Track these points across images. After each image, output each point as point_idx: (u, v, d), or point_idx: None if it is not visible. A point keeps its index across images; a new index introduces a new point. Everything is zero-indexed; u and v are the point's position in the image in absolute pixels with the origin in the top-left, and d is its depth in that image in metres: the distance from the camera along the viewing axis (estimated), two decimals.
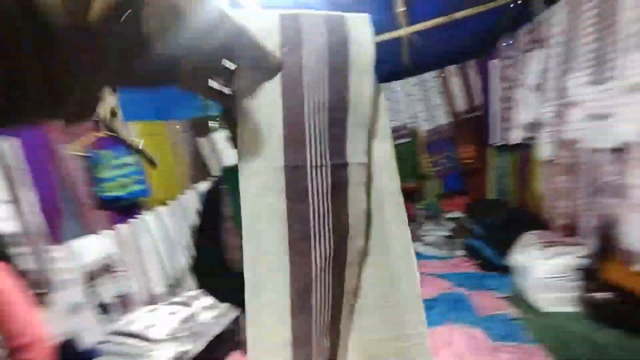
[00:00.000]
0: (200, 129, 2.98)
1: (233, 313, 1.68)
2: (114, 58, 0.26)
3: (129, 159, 2.06)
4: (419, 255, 3.41)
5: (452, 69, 3.63)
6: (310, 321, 0.57)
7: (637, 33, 1.47)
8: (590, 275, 2.13)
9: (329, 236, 0.56)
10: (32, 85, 0.21)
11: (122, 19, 0.24)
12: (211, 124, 3.20)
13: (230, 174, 1.06)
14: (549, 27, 2.17)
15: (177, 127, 2.74)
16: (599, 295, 2.01)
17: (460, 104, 3.65)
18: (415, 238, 3.72)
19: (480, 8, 2.52)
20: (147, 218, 2.26)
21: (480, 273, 2.84)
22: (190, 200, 2.58)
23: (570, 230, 2.26)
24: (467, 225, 3.36)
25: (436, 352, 1.90)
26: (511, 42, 2.80)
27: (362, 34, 0.47)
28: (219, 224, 0.96)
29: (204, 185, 1.11)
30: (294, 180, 0.51)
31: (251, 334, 0.50)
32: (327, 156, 0.54)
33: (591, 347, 1.84)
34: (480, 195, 3.62)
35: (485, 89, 3.39)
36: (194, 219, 1.01)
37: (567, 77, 2.03)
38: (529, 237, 2.48)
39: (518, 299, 2.41)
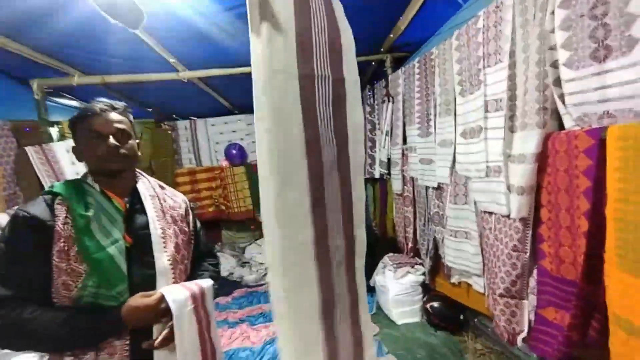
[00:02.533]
0: (23, 134, 2.46)
1: None
2: None
3: None
4: None
5: None
6: (325, 219, 0.73)
7: (442, 103, 1.97)
8: (427, 289, 2.61)
9: (333, 141, 0.74)
10: None
11: None
12: (50, 129, 2.69)
13: (70, 187, 0.90)
14: (395, 86, 2.68)
15: None
16: (432, 304, 2.47)
17: None
18: None
19: None
20: None
21: None
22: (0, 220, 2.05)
23: (415, 252, 2.73)
24: None
25: None
26: (371, 92, 3.33)
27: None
28: (45, 249, 0.81)
29: (25, 206, 0.89)
30: (305, 87, 0.64)
31: (278, 234, 0.65)
32: (329, 70, 0.72)
33: (428, 349, 2.22)
34: None
35: None
36: (8, 245, 0.81)
37: (407, 127, 2.54)
38: (386, 260, 2.88)
39: (378, 316, 2.74)
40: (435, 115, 2.07)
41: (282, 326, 0.79)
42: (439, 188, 2.13)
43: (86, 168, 0.96)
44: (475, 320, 2.35)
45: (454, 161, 1.89)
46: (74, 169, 2.48)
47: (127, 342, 0.85)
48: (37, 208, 0.85)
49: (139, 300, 0.85)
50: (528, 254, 1.37)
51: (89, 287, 0.82)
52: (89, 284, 0.82)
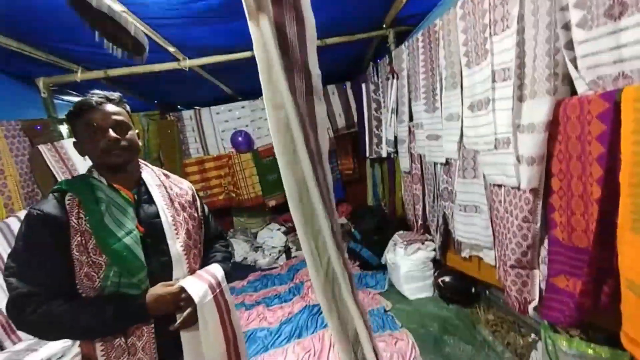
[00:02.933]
0: (35, 133, 2.51)
1: None
2: None
3: None
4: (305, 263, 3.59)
5: (332, 87, 4.00)
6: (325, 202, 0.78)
7: (448, 76, 1.92)
8: (438, 264, 2.63)
9: (314, 131, 0.80)
10: None
11: None
12: (60, 127, 2.73)
13: (79, 183, 0.92)
14: (399, 62, 2.62)
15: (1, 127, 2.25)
16: (444, 279, 2.50)
17: (340, 121, 4.03)
18: None
19: (349, 38, 2.87)
20: None
21: (361, 273, 3.17)
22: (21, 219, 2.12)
23: (425, 229, 2.74)
24: (349, 231, 3.72)
25: (324, 352, 2.03)
26: (375, 70, 3.26)
27: None
28: (64, 244, 0.84)
29: (38, 204, 0.91)
30: (289, 79, 0.68)
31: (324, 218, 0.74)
32: (300, 62, 0.75)
33: (440, 322, 2.27)
34: (360, 202, 4.05)
35: (359, 109, 3.83)
36: (16, 247, 0.84)
37: (413, 104, 2.49)
38: (396, 238, 2.91)
39: (390, 293, 2.79)
40: (441, 89, 2.03)
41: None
42: (447, 163, 2.11)
43: (91, 162, 0.97)
44: (487, 292, 2.37)
45: (461, 135, 1.86)
46: (87, 164, 2.53)
47: (153, 326, 0.89)
48: (49, 205, 0.87)
49: (161, 289, 0.89)
50: (539, 224, 1.36)
51: (111, 278, 0.85)
52: (110, 275, 0.85)
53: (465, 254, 2.13)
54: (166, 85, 3.43)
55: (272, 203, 4.11)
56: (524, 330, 1.98)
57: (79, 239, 0.84)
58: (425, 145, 2.33)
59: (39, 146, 2.46)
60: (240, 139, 4.05)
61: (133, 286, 0.88)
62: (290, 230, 4.17)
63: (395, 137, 2.94)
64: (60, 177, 2.46)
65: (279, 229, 4.15)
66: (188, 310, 0.89)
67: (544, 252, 1.42)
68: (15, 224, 2.15)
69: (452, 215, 2.15)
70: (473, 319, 2.24)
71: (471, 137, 1.75)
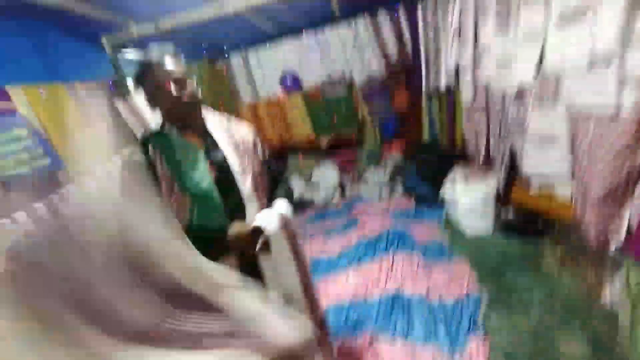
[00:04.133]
0: (114, 90, 2.74)
1: None
2: None
3: (21, 132, 1.85)
4: (363, 199, 3.73)
5: (383, 14, 3.62)
6: None
7: None
8: (501, 200, 2.55)
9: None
10: None
11: None
12: (129, 84, 2.94)
13: (157, 136, 1.06)
14: None
15: (83, 89, 2.47)
16: (507, 215, 2.45)
17: (393, 51, 3.72)
18: (360, 183, 4.01)
19: None
20: (70, 192, 2.06)
21: (418, 208, 3.21)
22: (117, 168, 2.43)
23: (488, 164, 2.62)
24: (404, 167, 3.68)
25: (382, 278, 2.22)
26: None
27: None
28: (159, 186, 0.99)
29: (129, 151, 1.07)
30: None
31: None
32: None
33: (500, 255, 2.29)
34: (415, 138, 3.91)
35: (414, 36, 3.47)
36: (124, 187, 0.97)
37: (480, 24, 2.19)
38: (456, 173, 2.83)
39: (448, 227, 2.82)
40: (518, 3, 1.74)
41: None
42: (519, 92, 1.91)
43: (161, 116, 1.08)
44: (556, 228, 2.28)
45: (541, 58, 1.63)
46: (155, 118, 2.75)
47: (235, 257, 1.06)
48: (142, 154, 1.01)
49: (238, 227, 1.03)
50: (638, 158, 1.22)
51: (195, 214, 1.01)
52: (195, 213, 1.00)
53: (534, 189, 2.02)
54: (211, 31, 3.40)
55: (324, 143, 4.17)
56: (597, 265, 1.92)
57: (165, 183, 0.99)
58: (493, 73, 2.09)
59: (116, 103, 2.70)
60: (288, 81, 4.00)
61: (214, 222, 1.03)
62: (344, 169, 4.26)
63: (457, 67, 2.67)
64: (138, 130, 2.73)
65: (333, 168, 4.26)
66: (262, 238, 1.03)
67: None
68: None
69: (521, 149, 2.00)
70: (538, 254, 2.21)
71: (556, 58, 1.53)
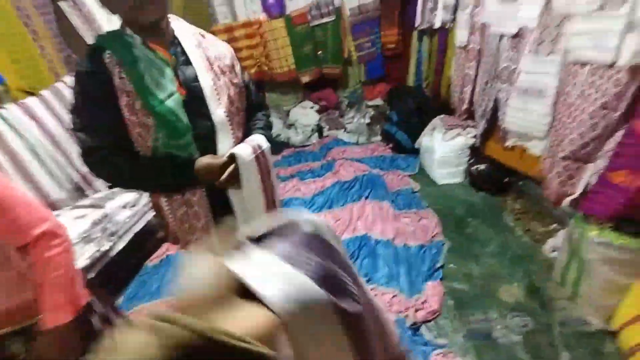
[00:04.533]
0: None
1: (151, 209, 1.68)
2: None
3: None
4: (340, 142, 3.64)
5: None
6: None
7: None
8: (476, 152, 2.54)
9: None
10: None
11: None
12: None
13: (115, 40, 0.86)
14: None
15: None
16: (478, 167, 2.46)
17: None
18: (339, 125, 3.88)
19: None
20: (11, 113, 1.88)
21: (393, 155, 3.18)
22: (69, 84, 2.17)
23: (469, 114, 2.55)
24: (385, 112, 3.56)
25: (352, 222, 2.25)
26: None
27: None
28: (115, 102, 0.84)
29: (82, 62, 0.89)
30: None
31: None
32: None
33: (467, 206, 2.35)
34: (400, 81, 3.73)
35: None
36: (76, 104, 0.85)
37: None
38: (436, 122, 2.76)
39: (421, 175, 2.84)
40: None
41: None
42: (517, 36, 1.77)
43: (120, 20, 0.87)
44: (520, 183, 2.33)
45: None
46: (112, 26, 2.38)
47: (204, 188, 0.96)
48: (93, 64, 0.83)
49: (209, 159, 0.91)
50: (619, 113, 1.18)
51: (160, 138, 0.87)
52: (159, 136, 0.87)
53: (509, 142, 2.00)
54: None
55: (305, 79, 3.89)
56: (547, 220, 2.01)
57: (125, 98, 0.83)
58: (495, 11, 1.91)
59: (59, 3, 2.28)
60: (270, 0, 3.55)
61: (181, 148, 0.90)
62: (324, 109, 4.07)
63: (457, 2, 2.43)
64: (88, 39, 2.36)
65: (312, 107, 4.05)
66: (232, 166, 0.92)
67: (607, 146, 1.28)
68: (65, 90, 2.21)
69: (506, 100, 1.93)
70: (499, 207, 2.29)
71: None
